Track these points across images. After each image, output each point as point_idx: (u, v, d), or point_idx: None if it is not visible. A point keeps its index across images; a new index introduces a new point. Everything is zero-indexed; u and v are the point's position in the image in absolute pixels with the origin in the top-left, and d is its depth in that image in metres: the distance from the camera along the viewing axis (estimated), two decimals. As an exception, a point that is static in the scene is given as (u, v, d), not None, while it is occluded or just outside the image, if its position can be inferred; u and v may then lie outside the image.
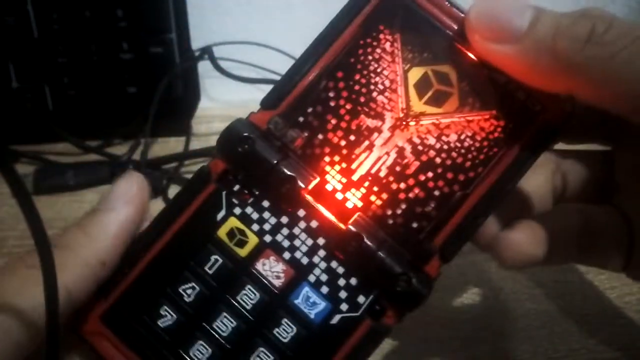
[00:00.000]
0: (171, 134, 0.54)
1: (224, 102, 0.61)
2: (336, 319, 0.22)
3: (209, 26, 0.59)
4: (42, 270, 0.17)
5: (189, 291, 0.22)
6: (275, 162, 0.22)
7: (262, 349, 0.22)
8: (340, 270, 0.22)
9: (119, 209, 0.22)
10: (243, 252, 0.22)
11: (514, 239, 0.24)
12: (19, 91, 0.50)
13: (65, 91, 0.50)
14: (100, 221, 0.22)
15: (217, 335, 0.22)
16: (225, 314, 0.22)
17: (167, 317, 0.22)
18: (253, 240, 0.22)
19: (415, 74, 0.23)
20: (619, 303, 0.37)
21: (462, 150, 0.23)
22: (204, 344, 0.22)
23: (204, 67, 0.56)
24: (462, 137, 0.23)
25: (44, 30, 0.48)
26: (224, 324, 0.22)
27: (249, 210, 0.23)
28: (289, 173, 0.22)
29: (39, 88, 0.50)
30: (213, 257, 0.22)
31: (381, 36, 0.23)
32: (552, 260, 0.26)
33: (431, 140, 0.23)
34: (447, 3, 0.23)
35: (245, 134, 0.22)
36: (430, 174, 0.22)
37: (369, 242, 0.22)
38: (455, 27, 0.23)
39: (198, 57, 0.54)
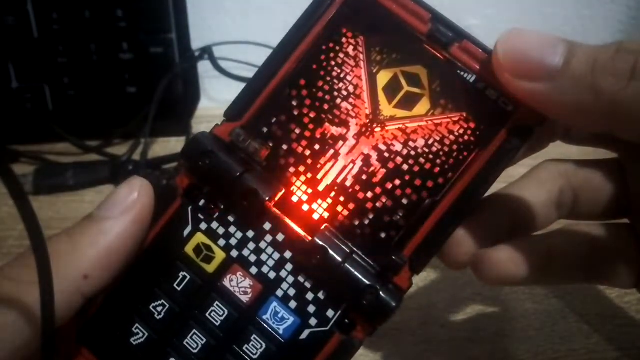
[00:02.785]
0: (171, 134, 0.54)
1: (224, 102, 0.60)
2: (305, 334, 0.21)
3: (209, 26, 0.59)
4: (38, 274, 0.17)
5: (159, 308, 0.22)
6: (237, 174, 0.21)
7: None
8: (308, 284, 0.21)
9: (115, 219, 0.21)
10: (210, 268, 0.22)
11: (495, 257, 0.23)
12: (19, 91, 0.50)
13: (65, 91, 0.50)
14: (89, 230, 0.21)
15: (188, 352, 0.21)
16: (195, 330, 0.22)
17: (139, 334, 0.22)
18: (220, 255, 0.22)
19: (385, 76, 0.22)
20: (619, 303, 0.37)
21: (431, 155, 0.22)
22: None
23: (204, 67, 0.56)
24: (431, 141, 0.22)
25: (44, 30, 0.48)
26: (194, 341, 0.22)
27: (214, 225, 0.22)
28: (251, 185, 0.21)
29: (39, 88, 0.50)
30: (181, 274, 0.22)
31: (344, 40, 0.22)
32: (554, 281, 0.25)
33: (398, 147, 0.22)
34: (412, 2, 0.22)
35: (208, 148, 0.22)
36: (397, 182, 0.22)
37: (334, 255, 0.21)
38: (423, 27, 0.22)
39: (198, 57, 0.54)
